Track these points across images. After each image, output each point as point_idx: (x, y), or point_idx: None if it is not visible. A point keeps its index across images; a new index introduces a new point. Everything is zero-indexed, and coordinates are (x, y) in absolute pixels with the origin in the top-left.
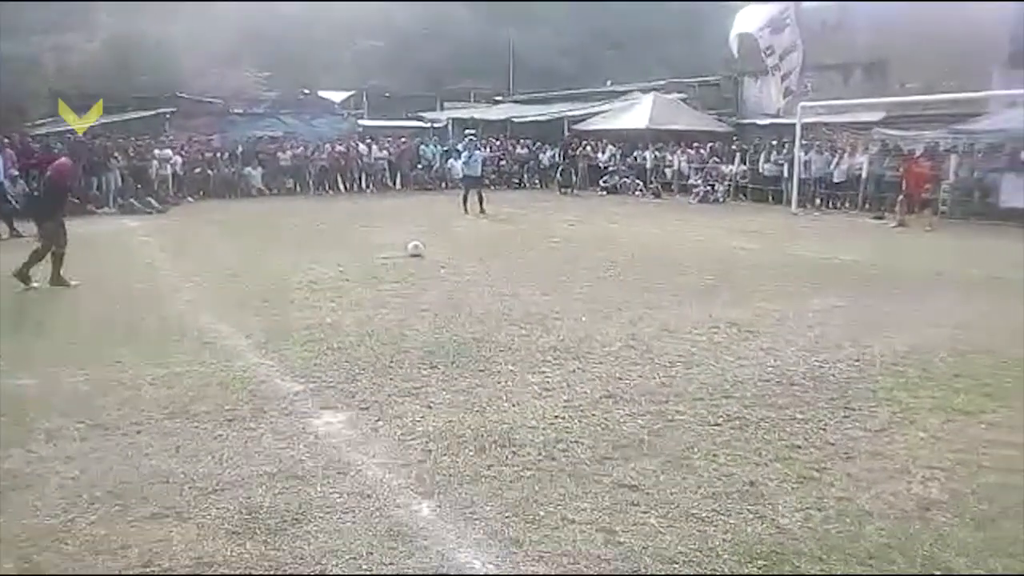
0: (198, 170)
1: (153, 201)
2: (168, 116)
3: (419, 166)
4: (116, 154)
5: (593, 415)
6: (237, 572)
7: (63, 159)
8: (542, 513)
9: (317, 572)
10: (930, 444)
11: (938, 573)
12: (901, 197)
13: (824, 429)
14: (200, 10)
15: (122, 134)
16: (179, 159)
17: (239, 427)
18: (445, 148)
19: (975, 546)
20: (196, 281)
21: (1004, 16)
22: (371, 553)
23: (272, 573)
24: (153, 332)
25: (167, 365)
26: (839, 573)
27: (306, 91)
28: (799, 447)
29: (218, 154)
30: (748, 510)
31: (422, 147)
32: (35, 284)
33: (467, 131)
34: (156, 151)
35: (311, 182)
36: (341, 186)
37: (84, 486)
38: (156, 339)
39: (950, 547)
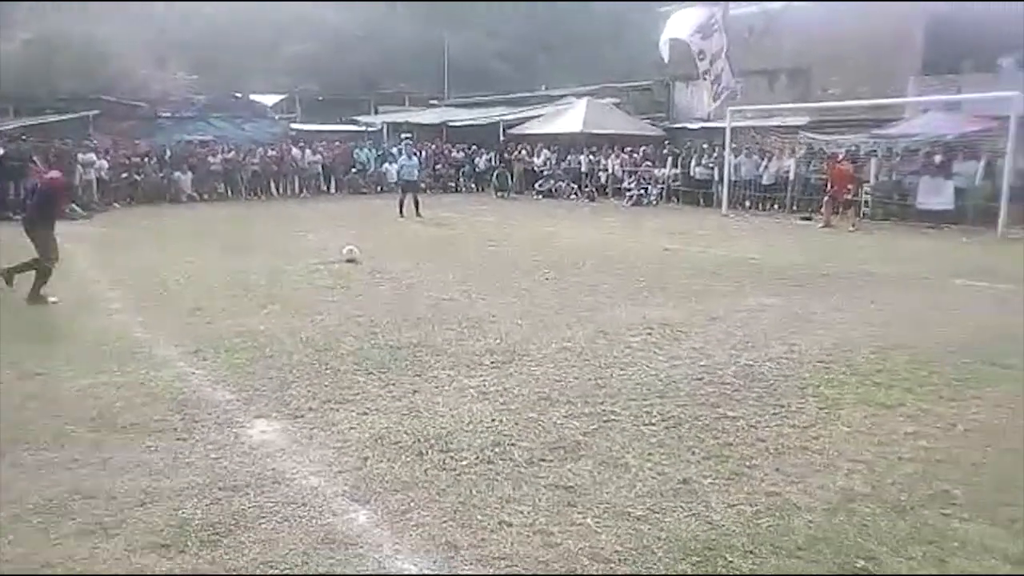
0: (125, 175)
1: (77, 207)
2: (91, 119)
3: (354, 170)
4: (35, 158)
5: (530, 417)
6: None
7: (55, 172)
8: (479, 517)
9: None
10: (854, 438)
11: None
12: (826, 199)
13: (754, 426)
14: (126, 10)
15: (42, 138)
16: (104, 164)
17: (169, 438)
18: (380, 152)
19: (896, 535)
20: (124, 289)
21: (918, 26)
22: (306, 562)
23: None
24: (79, 342)
25: (93, 376)
26: (770, 566)
27: (237, 94)
28: (730, 444)
29: (146, 158)
30: (682, 507)
31: (356, 151)
32: (52, 299)
33: (403, 135)
34: (79, 155)
35: (243, 187)
36: (274, 191)
37: (3, 503)
38: (82, 349)
39: (873, 536)
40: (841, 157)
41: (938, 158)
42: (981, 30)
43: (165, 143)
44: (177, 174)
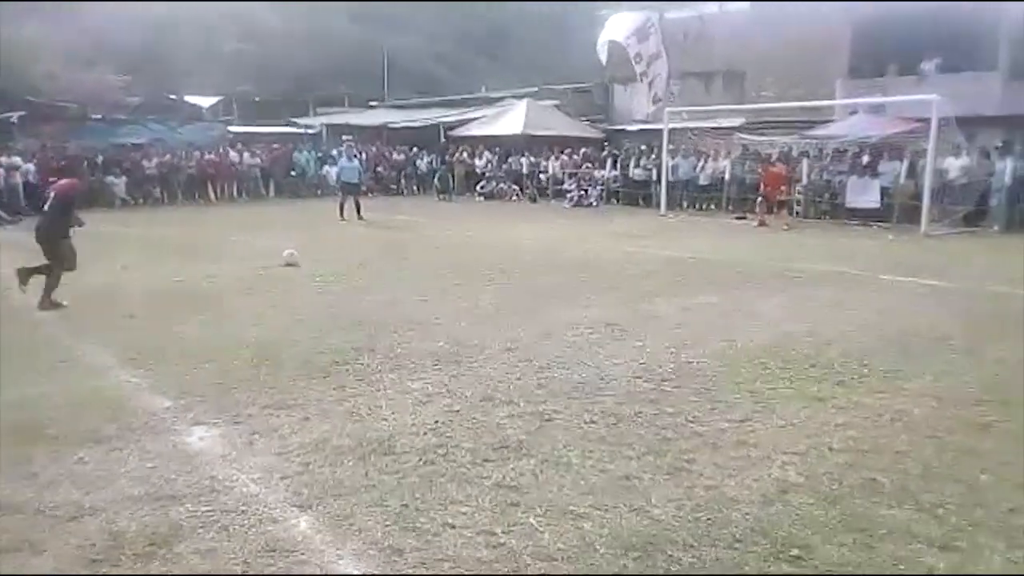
0: (54, 179)
1: (2, 213)
2: (15, 121)
3: (293, 173)
4: None
5: (473, 418)
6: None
7: (71, 180)
8: (423, 520)
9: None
10: (788, 430)
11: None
12: (759, 199)
13: (693, 421)
14: (53, 9)
15: None
16: (31, 167)
17: (103, 449)
18: (320, 154)
19: (827, 523)
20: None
21: (845, 31)
22: (247, 571)
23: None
24: (5, 352)
25: (21, 386)
26: (709, 558)
27: (172, 96)
28: (670, 440)
29: (75, 161)
30: (623, 503)
31: (296, 153)
32: (64, 303)
33: (344, 137)
34: (3, 158)
35: (180, 191)
36: (212, 195)
37: None
38: (9, 359)
39: (806, 526)
40: (774, 158)
41: (865, 158)
42: (905, 35)
43: (96, 146)
44: (110, 178)
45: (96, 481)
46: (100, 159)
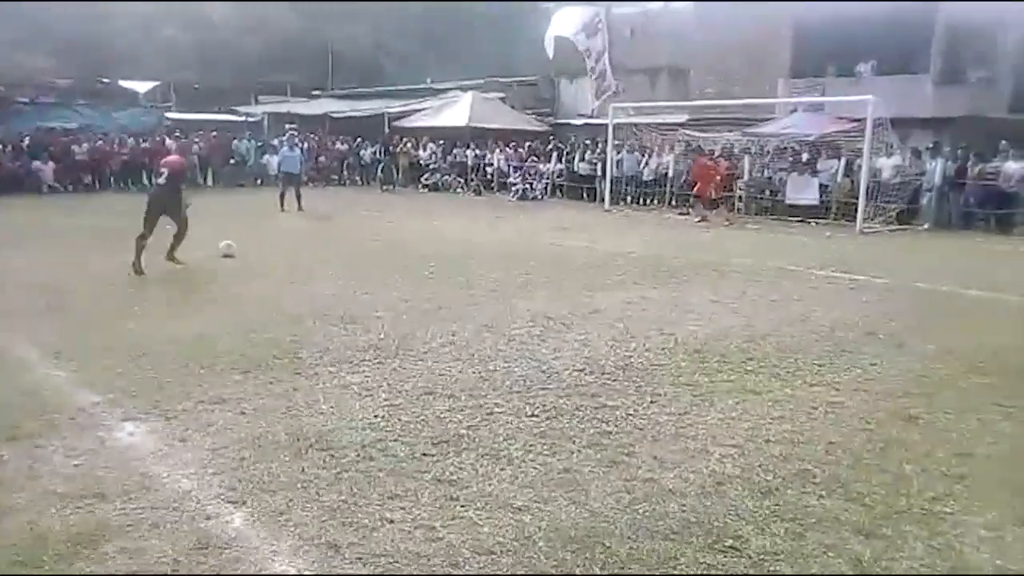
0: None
1: None
2: None
3: (232, 162)
4: None
5: (413, 412)
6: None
7: (176, 156)
8: (361, 515)
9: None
10: (726, 423)
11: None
12: (693, 197)
13: (632, 414)
14: None
15: None
16: None
17: (25, 445)
18: (260, 143)
19: (761, 514)
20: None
21: (787, 32)
22: (177, 569)
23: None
24: None
25: None
26: (646, 549)
27: (104, 80)
28: (610, 433)
29: (0, 146)
30: (563, 496)
31: (235, 142)
32: (182, 263)
33: (288, 125)
34: None
35: (112, 178)
36: (146, 182)
37: None
38: None
39: (741, 517)
40: (717, 154)
41: (804, 156)
42: (843, 37)
43: (22, 130)
44: (37, 164)
45: (17, 479)
46: (26, 143)
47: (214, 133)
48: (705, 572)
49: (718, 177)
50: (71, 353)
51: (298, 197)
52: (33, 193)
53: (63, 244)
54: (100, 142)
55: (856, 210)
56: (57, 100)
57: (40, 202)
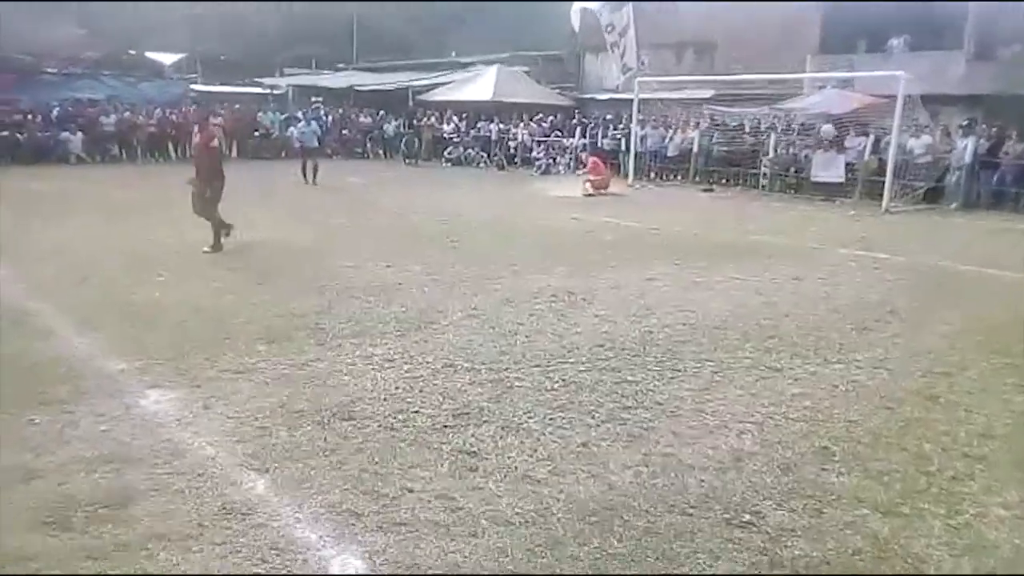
0: (5, 133)
1: None
2: None
3: (257, 134)
4: None
5: (434, 384)
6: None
7: (210, 130)
8: (381, 484)
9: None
10: (745, 400)
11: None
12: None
13: (652, 390)
14: None
15: None
16: None
17: (54, 411)
18: (285, 116)
19: (779, 490)
20: (4, 256)
21: (817, 6)
22: (202, 534)
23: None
24: None
25: None
26: (664, 523)
27: (131, 51)
28: (629, 408)
29: (29, 116)
30: (581, 470)
31: (260, 114)
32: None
33: (314, 99)
34: None
35: (139, 149)
36: (173, 154)
37: None
38: None
39: (759, 492)
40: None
41: (831, 133)
42: (874, 12)
43: (50, 101)
44: (65, 134)
45: (47, 444)
46: (54, 114)
47: (238, 105)
48: (722, 546)
49: None
50: (98, 321)
51: (315, 171)
52: (62, 163)
53: (90, 214)
54: (128, 113)
55: (882, 188)
56: (85, 71)
57: (68, 172)
